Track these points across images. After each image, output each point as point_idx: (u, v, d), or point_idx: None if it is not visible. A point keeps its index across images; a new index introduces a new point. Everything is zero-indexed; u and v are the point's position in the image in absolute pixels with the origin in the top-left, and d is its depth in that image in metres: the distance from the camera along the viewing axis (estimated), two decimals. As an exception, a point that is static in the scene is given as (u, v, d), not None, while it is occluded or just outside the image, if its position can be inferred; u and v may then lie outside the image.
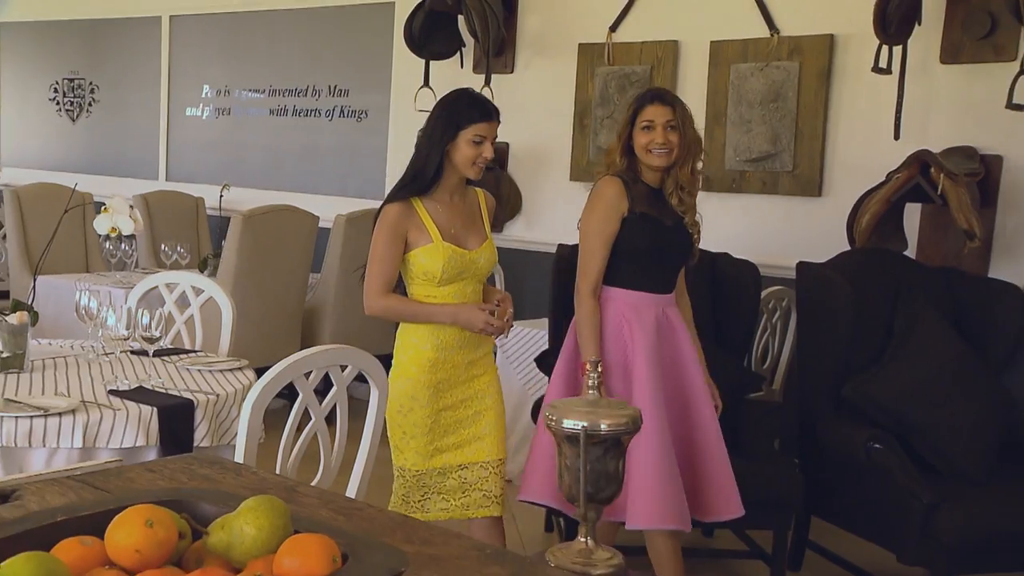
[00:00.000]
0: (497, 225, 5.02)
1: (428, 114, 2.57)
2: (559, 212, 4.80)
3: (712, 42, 4.32)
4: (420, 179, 2.49)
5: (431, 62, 4.94)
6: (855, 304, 3.22)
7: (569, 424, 1.55)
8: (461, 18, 4.79)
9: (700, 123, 4.41)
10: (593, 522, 1.61)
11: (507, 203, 4.98)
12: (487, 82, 4.77)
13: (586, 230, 2.71)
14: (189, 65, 6.45)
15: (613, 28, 4.60)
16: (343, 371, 2.04)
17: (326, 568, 0.78)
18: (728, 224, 4.34)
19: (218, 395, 2.25)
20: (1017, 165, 3.63)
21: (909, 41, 3.67)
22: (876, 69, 3.66)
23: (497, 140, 5.34)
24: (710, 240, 4.27)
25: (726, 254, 3.73)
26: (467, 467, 2.58)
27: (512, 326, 2.67)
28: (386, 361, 5.31)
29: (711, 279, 3.68)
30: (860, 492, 3.15)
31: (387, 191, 5.42)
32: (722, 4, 4.31)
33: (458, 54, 4.99)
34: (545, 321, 3.60)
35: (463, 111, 2.48)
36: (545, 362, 3.48)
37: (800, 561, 3.44)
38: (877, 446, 3.01)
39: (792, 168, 4.15)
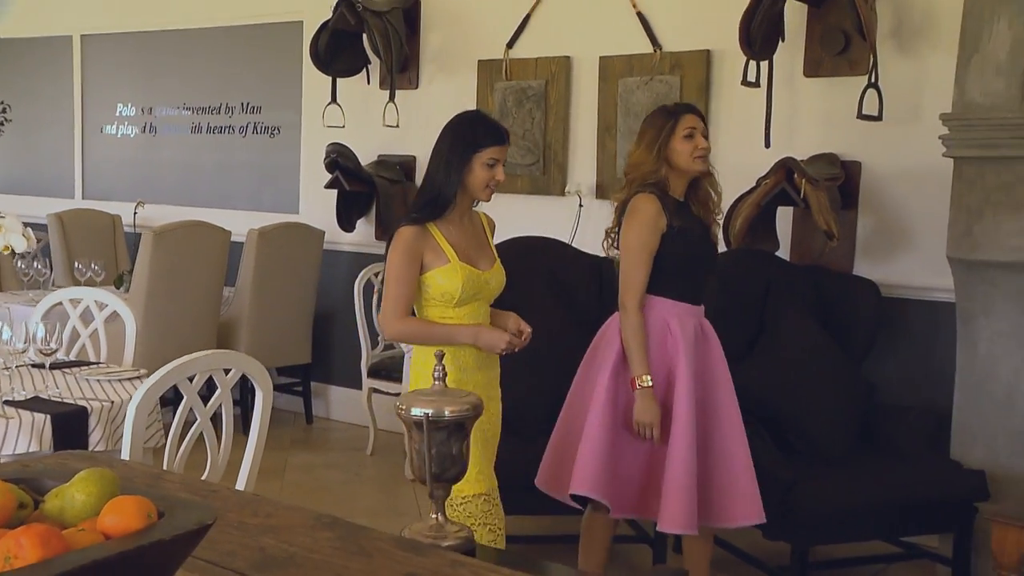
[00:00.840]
0: (407, 235, 5.22)
1: (438, 138, 2.55)
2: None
3: (601, 58, 4.58)
4: (439, 203, 2.47)
5: (338, 79, 5.11)
6: (720, 300, 3.48)
7: (416, 412, 1.75)
8: (366, 36, 4.97)
9: (590, 136, 4.70)
10: (440, 500, 1.81)
11: (415, 214, 5.16)
12: (391, 98, 4.96)
13: (628, 246, 2.77)
14: (102, 84, 6.51)
15: (510, 45, 4.83)
16: (227, 375, 2.20)
17: (141, 523, 0.97)
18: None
19: (112, 402, 2.39)
20: (874, 170, 3.94)
21: (775, 56, 3.97)
22: (745, 83, 3.95)
23: (404, 153, 5.55)
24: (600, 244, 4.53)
25: (606, 259, 3.97)
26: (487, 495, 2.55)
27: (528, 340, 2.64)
28: (307, 370, 5.42)
29: (599, 281, 3.93)
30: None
31: (301, 205, 5.65)
32: (609, 22, 4.56)
33: (364, 71, 5.16)
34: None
35: (479, 135, 2.48)
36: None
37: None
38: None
39: (677, 175, 4.41)
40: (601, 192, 4.64)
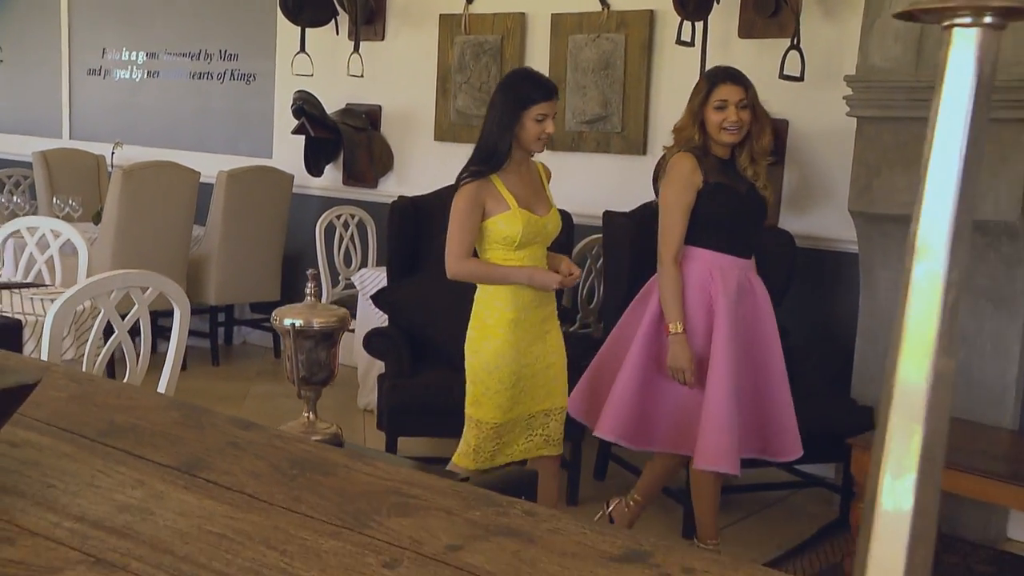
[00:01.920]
0: (371, 181, 5.47)
1: (492, 96, 2.76)
2: (427, 169, 5.24)
3: (553, 14, 4.77)
4: (496, 158, 2.67)
5: (308, 29, 5.32)
6: (636, 243, 3.73)
7: (287, 322, 2.02)
8: (333, -12, 5.16)
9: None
10: (310, 400, 2.09)
11: (379, 161, 5.41)
12: (356, 49, 5.18)
13: (665, 203, 2.91)
14: (88, 28, 6.74)
15: (469, 0, 5.02)
16: (144, 292, 2.47)
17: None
18: (569, 180, 4.81)
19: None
20: (800, 129, 4.14)
21: (711, 18, 4.16)
22: (679, 42, 4.14)
23: (370, 103, 5.77)
24: (555, 194, 4.77)
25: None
26: (535, 416, 2.81)
27: (579, 279, 2.87)
28: (276, 306, 5.71)
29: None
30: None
31: (274, 151, 5.89)
32: (562, -21, 4.75)
33: (333, 22, 5.37)
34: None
35: (528, 92, 2.65)
36: (379, 299, 3.96)
37: (604, 472, 3.97)
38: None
39: (621, 129, 4.63)
40: (552, 144, 4.82)
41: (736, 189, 2.88)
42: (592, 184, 4.76)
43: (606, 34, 4.61)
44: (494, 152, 2.67)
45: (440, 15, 5.11)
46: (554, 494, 2.97)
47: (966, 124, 0.61)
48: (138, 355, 2.51)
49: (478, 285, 2.79)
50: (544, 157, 4.92)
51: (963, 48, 0.61)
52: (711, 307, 2.87)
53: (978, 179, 0.62)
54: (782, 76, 3.90)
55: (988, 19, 0.59)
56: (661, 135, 4.55)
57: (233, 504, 1.13)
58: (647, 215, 3.98)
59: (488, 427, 2.74)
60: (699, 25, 4.16)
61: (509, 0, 4.92)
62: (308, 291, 2.08)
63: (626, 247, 3.78)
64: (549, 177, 2.91)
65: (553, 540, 1.10)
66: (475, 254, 2.77)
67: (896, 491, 0.63)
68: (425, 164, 5.30)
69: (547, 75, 4.77)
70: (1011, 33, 2.47)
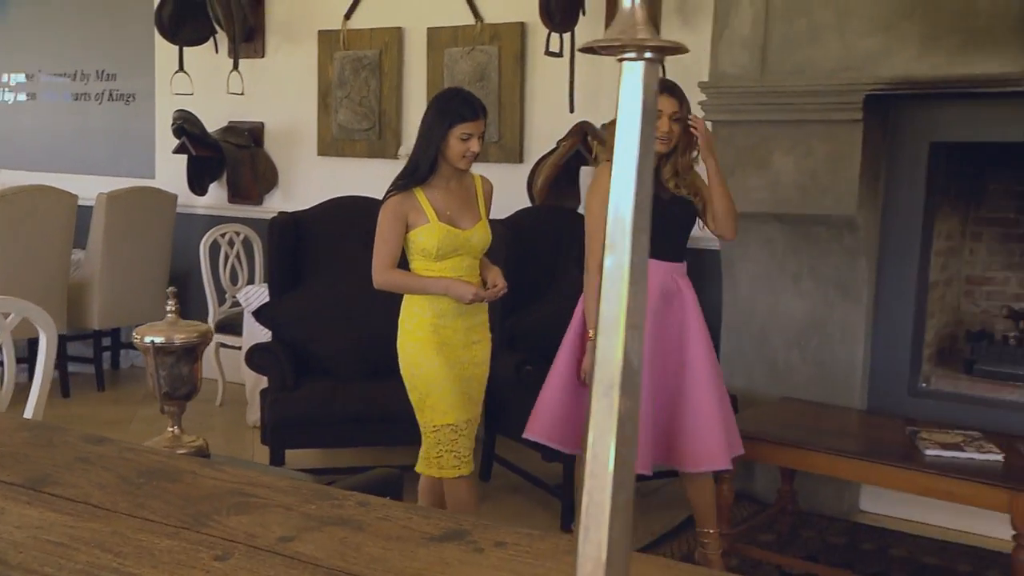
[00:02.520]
0: (256, 198, 5.47)
1: (424, 113, 2.83)
2: (312, 184, 5.27)
3: (429, 28, 4.88)
4: (418, 172, 2.77)
5: (187, 48, 5.30)
6: (512, 250, 3.86)
7: (147, 339, 2.07)
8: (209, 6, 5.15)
9: (421, 102, 4.99)
10: (175, 415, 2.13)
11: (263, 178, 5.42)
12: (235, 67, 5.18)
13: (590, 212, 2.95)
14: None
15: (347, 16, 5.09)
16: (6, 318, 2.47)
17: None
18: (451, 190, 4.93)
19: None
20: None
21: (578, 28, 4.32)
22: (548, 53, 4.30)
23: (253, 120, 5.76)
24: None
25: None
26: (468, 421, 2.86)
27: (504, 292, 2.86)
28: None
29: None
30: (521, 406, 3.80)
31: (157, 170, 5.82)
32: (435, -5, 4.86)
33: (212, 40, 5.36)
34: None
35: (454, 111, 2.73)
36: (261, 314, 3.99)
37: (489, 473, 4.08)
38: (529, 368, 3.67)
39: (498, 138, 4.76)
40: (432, 155, 4.96)
41: (659, 196, 2.90)
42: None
43: (480, 46, 4.74)
44: (417, 167, 2.77)
45: (319, 31, 5.17)
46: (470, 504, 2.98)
47: (638, 138, 0.73)
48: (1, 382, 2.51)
49: (404, 294, 2.88)
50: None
51: (631, 78, 0.73)
52: None
53: (649, 184, 0.74)
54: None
55: (648, 55, 0.71)
56: (537, 143, 4.71)
57: (74, 514, 1.18)
58: (523, 221, 4.12)
59: (430, 430, 2.80)
60: (567, 36, 4.32)
61: (386, 15, 5.01)
62: (169, 309, 2.13)
63: (502, 252, 3.89)
64: (490, 192, 2.96)
65: (380, 526, 1.19)
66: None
67: (601, 447, 0.74)
68: (309, 179, 5.33)
69: (426, 87, 4.93)
70: (838, 39, 2.70)
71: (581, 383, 3.00)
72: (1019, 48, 3.10)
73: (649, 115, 0.74)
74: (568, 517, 3.56)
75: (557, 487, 3.64)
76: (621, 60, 0.75)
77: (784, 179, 3.58)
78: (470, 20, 4.76)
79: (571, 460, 3.53)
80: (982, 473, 2.77)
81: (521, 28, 4.64)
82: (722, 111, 3.64)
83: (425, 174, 2.77)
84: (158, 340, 2.05)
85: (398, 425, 3.73)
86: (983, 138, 3.45)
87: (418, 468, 2.89)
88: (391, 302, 4.01)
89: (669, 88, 2.86)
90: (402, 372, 2.86)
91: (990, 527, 3.28)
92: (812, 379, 3.67)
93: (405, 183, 2.79)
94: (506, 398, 3.92)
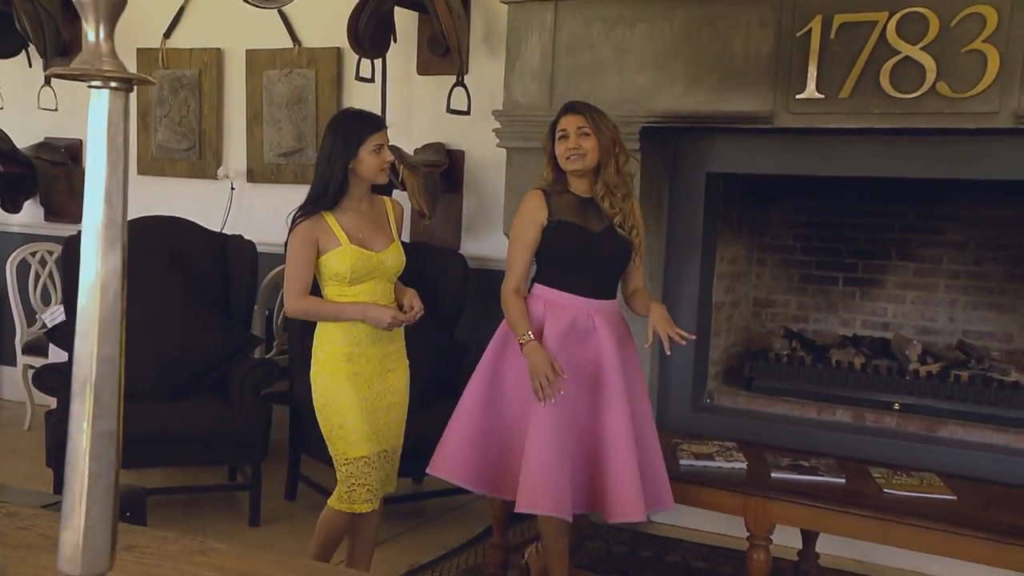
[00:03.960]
0: (74, 216, 5.34)
1: (323, 139, 2.79)
2: (131, 203, 5.14)
3: (248, 50, 4.90)
4: (327, 195, 2.70)
5: (-2, 61, 5.15)
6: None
7: None
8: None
9: (241, 124, 5.00)
10: None
11: (81, 196, 5.28)
12: (47, 82, 5.06)
13: (511, 237, 2.92)
14: None
15: (167, 34, 5.05)
16: None
17: None
18: (270, 211, 4.95)
19: None
20: (474, 159, 4.48)
21: (392, 55, 4.42)
22: (358, 78, 4.38)
23: (70, 136, 5.59)
24: (252, 225, 4.86)
25: (238, 236, 4.33)
26: (386, 452, 2.82)
27: (421, 315, 2.80)
28: None
29: (223, 258, 4.26)
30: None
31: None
32: (255, 17, 4.86)
33: (25, 54, 5.22)
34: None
35: (358, 128, 2.71)
36: (55, 334, 3.91)
37: (295, 492, 4.09)
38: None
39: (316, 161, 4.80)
40: (252, 176, 4.97)
41: (586, 228, 2.81)
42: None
43: (298, 70, 4.79)
44: (325, 191, 2.71)
45: (137, 48, 5.11)
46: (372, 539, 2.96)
47: (105, 160, 0.81)
48: None
49: (318, 322, 2.81)
50: (247, 188, 5.04)
51: (98, 104, 0.80)
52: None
53: (121, 202, 0.82)
54: (449, 110, 4.22)
55: (114, 84, 0.79)
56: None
57: None
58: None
59: (342, 463, 2.73)
60: (379, 62, 4.41)
61: (205, 35, 5.00)
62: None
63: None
64: (401, 214, 2.94)
65: (19, 535, 1.23)
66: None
67: (77, 439, 0.81)
68: (129, 198, 5.23)
69: (245, 108, 4.93)
70: (618, 74, 3.06)
71: (497, 417, 2.86)
72: (769, 89, 3.36)
73: (115, 139, 0.82)
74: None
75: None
76: (90, 87, 0.82)
77: (572, 204, 3.75)
78: (288, 44, 4.81)
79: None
80: (724, 480, 2.97)
81: (337, 53, 4.71)
82: (515, 138, 3.80)
83: (335, 196, 2.72)
84: None
85: (198, 445, 3.74)
86: (745, 170, 3.71)
87: (331, 502, 2.80)
88: (196, 323, 4.01)
89: (569, 107, 2.85)
90: (314, 403, 2.79)
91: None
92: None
93: (313, 207, 2.73)
94: (306, 416, 3.95)
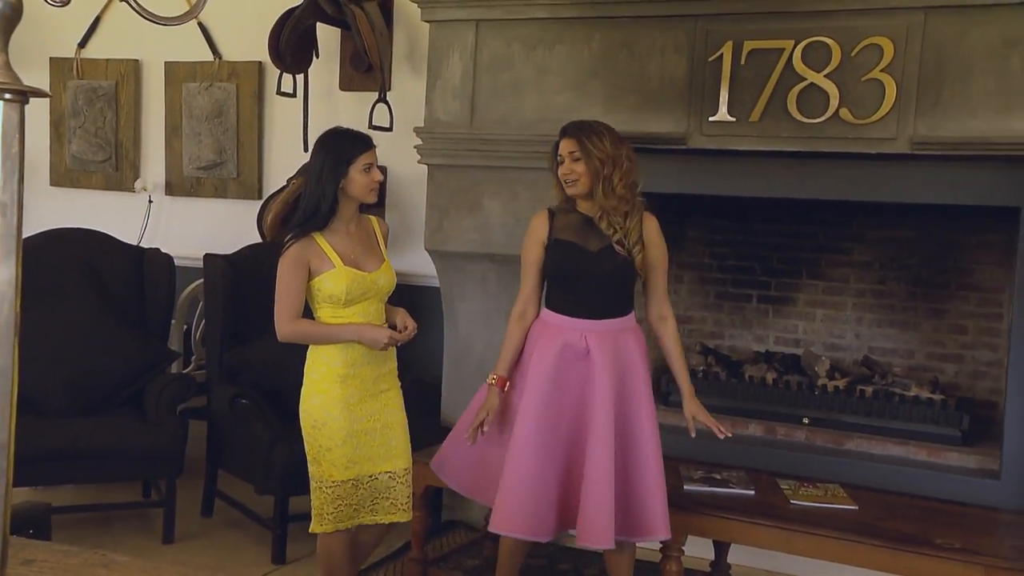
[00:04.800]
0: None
1: (311, 158, 2.74)
2: (44, 215, 5.03)
3: (167, 63, 4.84)
4: (318, 215, 2.66)
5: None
6: (235, 285, 3.87)
7: None
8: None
9: (159, 136, 4.93)
10: None
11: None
12: (-45, 90, 4.92)
13: (521, 258, 2.91)
14: None
15: (82, 44, 4.96)
16: None
17: None
18: (189, 224, 4.89)
19: None
20: (397, 175, 4.50)
21: (315, 70, 4.42)
22: (280, 93, 4.37)
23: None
24: (170, 238, 4.79)
25: (155, 249, 4.27)
26: (377, 477, 2.75)
27: (415, 333, 2.79)
28: None
29: (139, 271, 4.19)
30: (238, 439, 3.80)
31: None
32: (174, 29, 4.81)
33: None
34: None
35: (348, 147, 2.68)
36: None
37: (211, 509, 4.04)
38: (244, 401, 3.68)
39: (237, 175, 4.77)
40: (171, 189, 4.90)
41: (583, 247, 2.80)
42: (211, 229, 4.84)
43: (218, 83, 4.75)
44: (316, 212, 2.67)
45: (51, 58, 5.00)
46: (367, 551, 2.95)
47: (1, 168, 0.82)
48: None
49: (310, 345, 2.76)
50: (165, 201, 4.96)
51: (-9, 115, 0.81)
52: (525, 364, 2.84)
53: (20, 208, 0.83)
54: (371, 126, 4.23)
55: (8, 96, 0.80)
56: (275, 180, 4.74)
57: None
58: (249, 256, 4.14)
59: (327, 486, 2.70)
60: (301, 78, 4.41)
61: (122, 46, 4.93)
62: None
63: (220, 288, 3.91)
64: (387, 233, 2.93)
65: None
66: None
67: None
68: (41, 211, 5.10)
69: (164, 121, 4.87)
70: (537, 94, 2.92)
71: (491, 433, 2.88)
72: (683, 111, 3.47)
73: (10, 149, 0.82)
74: (279, 549, 3.58)
75: (270, 519, 3.65)
76: (-14, 99, 0.83)
77: (493, 221, 3.80)
78: (208, 56, 4.77)
79: (259, 479, 3.57)
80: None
81: (259, 67, 4.69)
82: (436, 155, 3.83)
83: (326, 217, 2.68)
84: None
85: (111, 461, 3.66)
86: (662, 189, 3.77)
87: (313, 528, 2.74)
88: (110, 337, 3.93)
89: (564, 130, 2.84)
90: (302, 423, 2.74)
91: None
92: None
93: (303, 229, 2.69)
94: (223, 431, 3.90)
